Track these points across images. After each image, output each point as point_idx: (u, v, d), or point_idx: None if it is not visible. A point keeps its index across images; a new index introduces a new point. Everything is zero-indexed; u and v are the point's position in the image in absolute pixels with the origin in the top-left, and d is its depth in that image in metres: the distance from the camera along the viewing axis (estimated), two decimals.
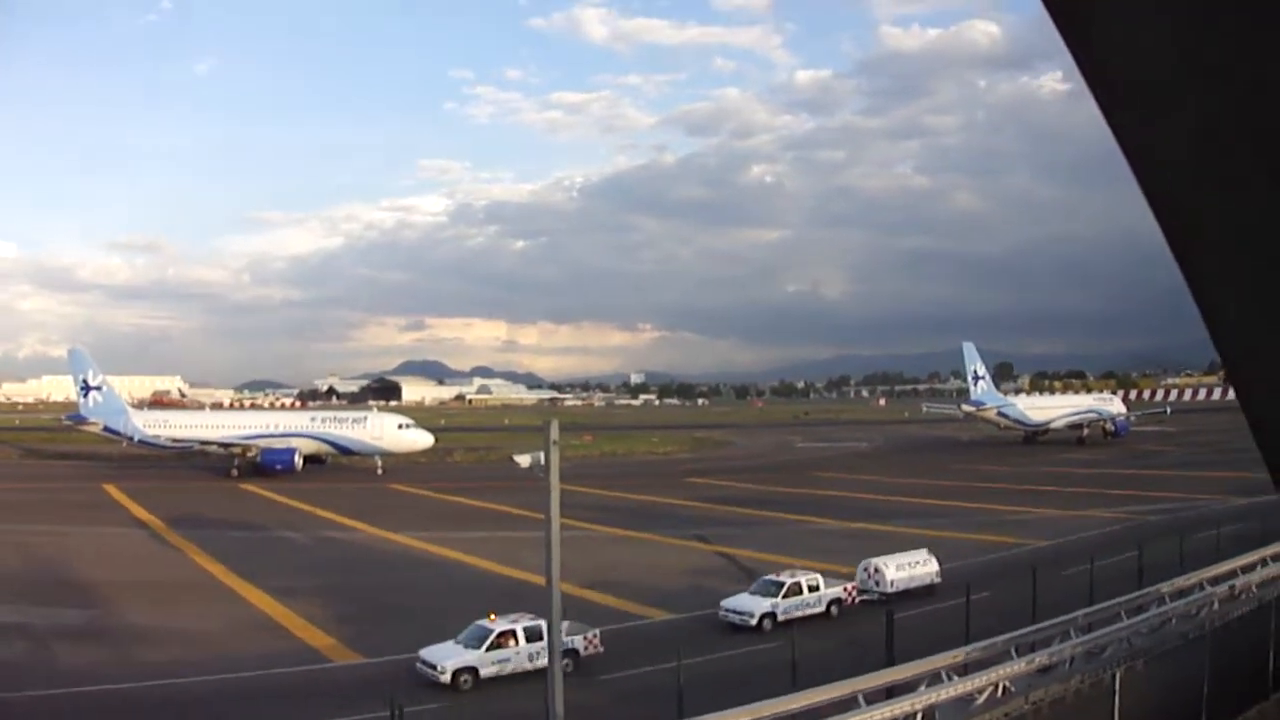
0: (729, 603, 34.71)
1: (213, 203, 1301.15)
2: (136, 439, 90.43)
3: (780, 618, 33.67)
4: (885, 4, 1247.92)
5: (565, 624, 25.28)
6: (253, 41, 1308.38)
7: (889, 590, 36.96)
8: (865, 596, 36.67)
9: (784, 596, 34.39)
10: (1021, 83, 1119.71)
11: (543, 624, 25.47)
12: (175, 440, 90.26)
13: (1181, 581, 32.99)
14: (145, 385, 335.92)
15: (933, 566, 38.80)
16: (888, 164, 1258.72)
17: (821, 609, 35.07)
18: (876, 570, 37.73)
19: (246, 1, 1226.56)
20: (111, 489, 74.79)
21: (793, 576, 35.18)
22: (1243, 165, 4.99)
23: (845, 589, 36.17)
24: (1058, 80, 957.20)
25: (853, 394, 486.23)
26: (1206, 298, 5.95)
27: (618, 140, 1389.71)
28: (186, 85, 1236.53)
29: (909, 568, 38.35)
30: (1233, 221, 5.43)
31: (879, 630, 28.06)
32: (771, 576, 35.66)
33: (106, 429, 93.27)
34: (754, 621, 33.64)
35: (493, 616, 29.36)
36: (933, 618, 32.81)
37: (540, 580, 22.68)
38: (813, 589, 35.17)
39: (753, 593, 35.11)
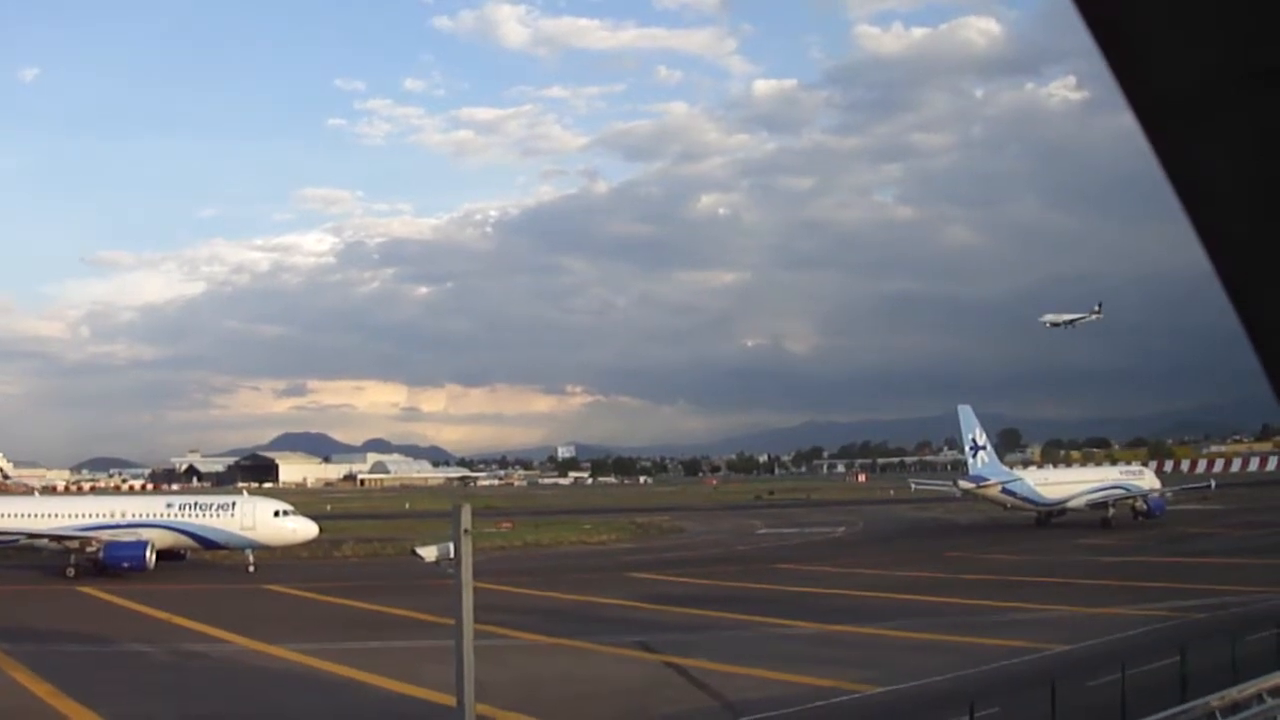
0: None
1: (44, 240, 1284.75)
2: None
3: None
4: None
5: None
6: (92, 42, 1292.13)
7: None
8: None
9: None
10: (1026, 91, 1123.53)
11: None
12: None
13: (1235, 693, 32.74)
14: None
15: None
16: (865, 192, 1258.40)
17: None
18: None
19: None
20: None
21: None
22: None
23: None
24: (1070, 87, 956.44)
25: (826, 468, 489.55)
26: (1266, 343, 5.94)
27: (540, 165, 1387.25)
28: (7, 95, 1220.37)
29: None
30: None
31: None
32: None
33: None
34: None
35: None
36: None
37: (449, 700, 22.46)
38: None
39: None
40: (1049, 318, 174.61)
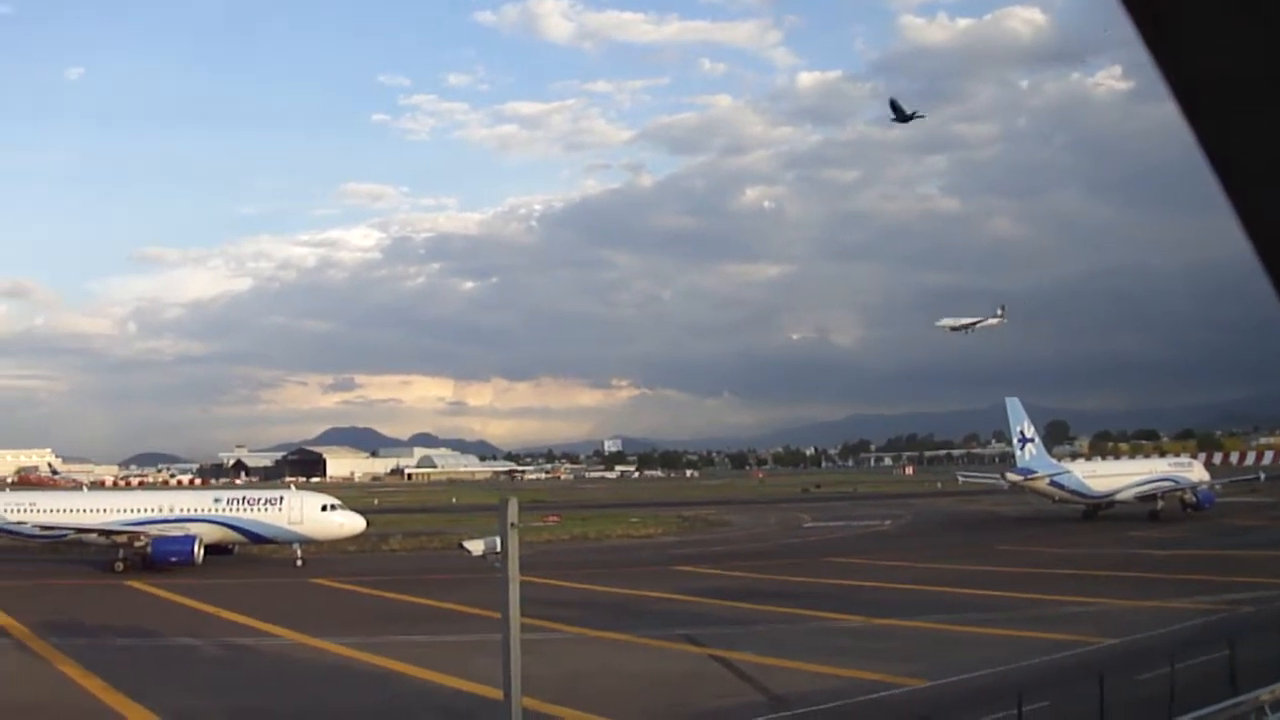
0: None
1: (92, 237, 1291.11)
2: None
3: None
4: None
5: None
6: (137, 40, 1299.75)
7: None
8: None
9: None
10: (1072, 81, 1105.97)
11: None
12: (45, 528, 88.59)
13: None
14: (7, 460, 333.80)
15: None
16: (910, 184, 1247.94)
17: None
18: None
19: None
20: None
21: None
22: None
23: None
24: (1116, 77, 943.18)
25: (872, 461, 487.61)
26: None
27: (585, 159, 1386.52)
28: (56, 94, 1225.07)
29: None
30: None
31: None
32: None
33: None
34: None
35: None
36: None
37: (497, 693, 22.50)
38: None
39: None
40: (947, 322, 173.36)
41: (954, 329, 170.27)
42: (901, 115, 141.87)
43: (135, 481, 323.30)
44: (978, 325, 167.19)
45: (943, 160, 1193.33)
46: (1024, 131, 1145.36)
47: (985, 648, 43.75)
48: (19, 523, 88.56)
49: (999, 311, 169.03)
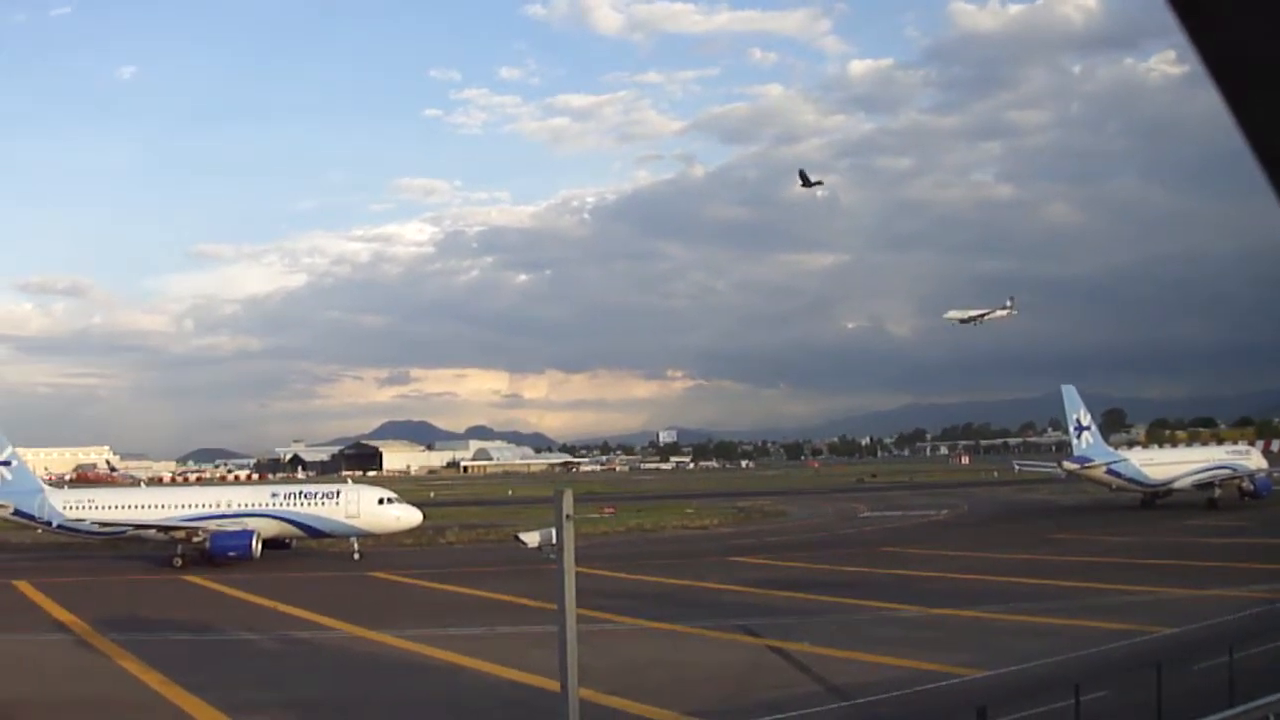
0: None
1: (147, 234, 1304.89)
2: (55, 524, 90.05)
3: None
4: None
5: None
6: (188, 39, 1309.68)
7: None
8: None
9: None
10: (1125, 66, 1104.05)
11: None
12: (104, 524, 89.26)
13: None
14: (66, 458, 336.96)
15: None
16: (964, 171, 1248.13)
17: None
18: None
19: None
20: (23, 586, 74.15)
21: None
22: None
23: None
24: (1170, 62, 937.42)
25: (928, 451, 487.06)
26: None
27: (637, 151, 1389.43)
28: (109, 93, 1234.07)
29: None
30: None
31: None
32: None
33: (17, 513, 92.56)
34: None
35: None
36: None
37: (553, 685, 22.59)
38: None
39: None
40: (954, 314, 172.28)
41: (962, 321, 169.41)
42: (806, 182, 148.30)
43: (193, 477, 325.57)
44: (986, 317, 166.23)
45: (996, 147, 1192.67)
46: (1077, 117, 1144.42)
47: (1042, 637, 43.57)
48: (78, 520, 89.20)
49: (1008, 303, 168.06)
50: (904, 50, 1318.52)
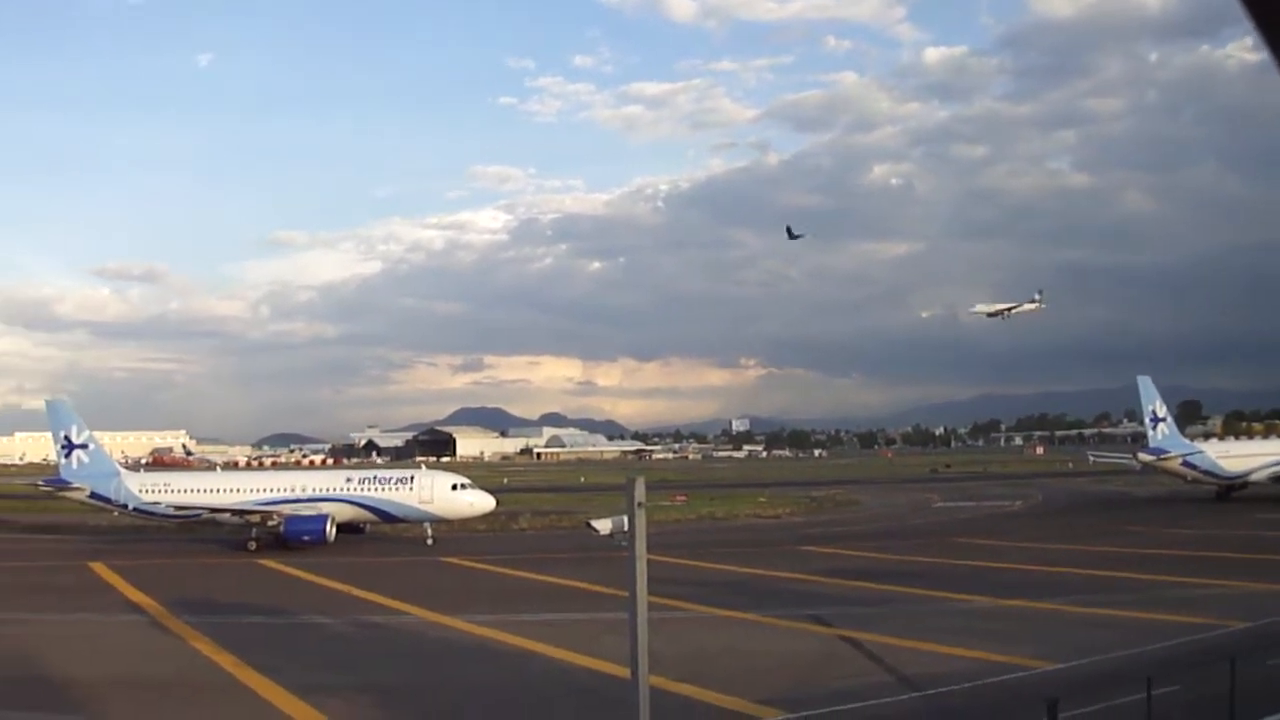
0: None
1: (224, 221, 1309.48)
2: (131, 507, 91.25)
3: None
4: None
5: None
6: (265, 28, 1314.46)
7: None
8: None
9: None
10: (1201, 53, 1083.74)
11: None
12: (179, 507, 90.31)
13: None
14: (142, 442, 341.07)
15: None
16: (1039, 159, 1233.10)
17: None
18: None
19: None
20: (99, 568, 75.00)
21: None
22: None
23: None
24: (1247, 49, 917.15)
25: (1003, 441, 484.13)
26: None
27: (710, 138, 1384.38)
28: (186, 82, 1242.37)
29: None
30: None
31: None
32: None
33: (94, 495, 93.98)
34: None
35: None
36: (1106, 719, 32.34)
37: (624, 671, 22.63)
38: None
39: None
40: (981, 308, 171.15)
41: (990, 315, 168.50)
42: (791, 235, 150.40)
43: (268, 462, 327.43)
44: (1014, 310, 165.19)
45: (1072, 135, 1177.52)
46: (1154, 105, 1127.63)
47: (1114, 629, 43.28)
48: (154, 503, 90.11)
49: (1036, 296, 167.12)
50: (978, 37, 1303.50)
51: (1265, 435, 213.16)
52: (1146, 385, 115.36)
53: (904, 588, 61.38)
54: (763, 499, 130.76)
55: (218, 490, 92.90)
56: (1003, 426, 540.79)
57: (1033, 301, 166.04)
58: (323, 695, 37.73)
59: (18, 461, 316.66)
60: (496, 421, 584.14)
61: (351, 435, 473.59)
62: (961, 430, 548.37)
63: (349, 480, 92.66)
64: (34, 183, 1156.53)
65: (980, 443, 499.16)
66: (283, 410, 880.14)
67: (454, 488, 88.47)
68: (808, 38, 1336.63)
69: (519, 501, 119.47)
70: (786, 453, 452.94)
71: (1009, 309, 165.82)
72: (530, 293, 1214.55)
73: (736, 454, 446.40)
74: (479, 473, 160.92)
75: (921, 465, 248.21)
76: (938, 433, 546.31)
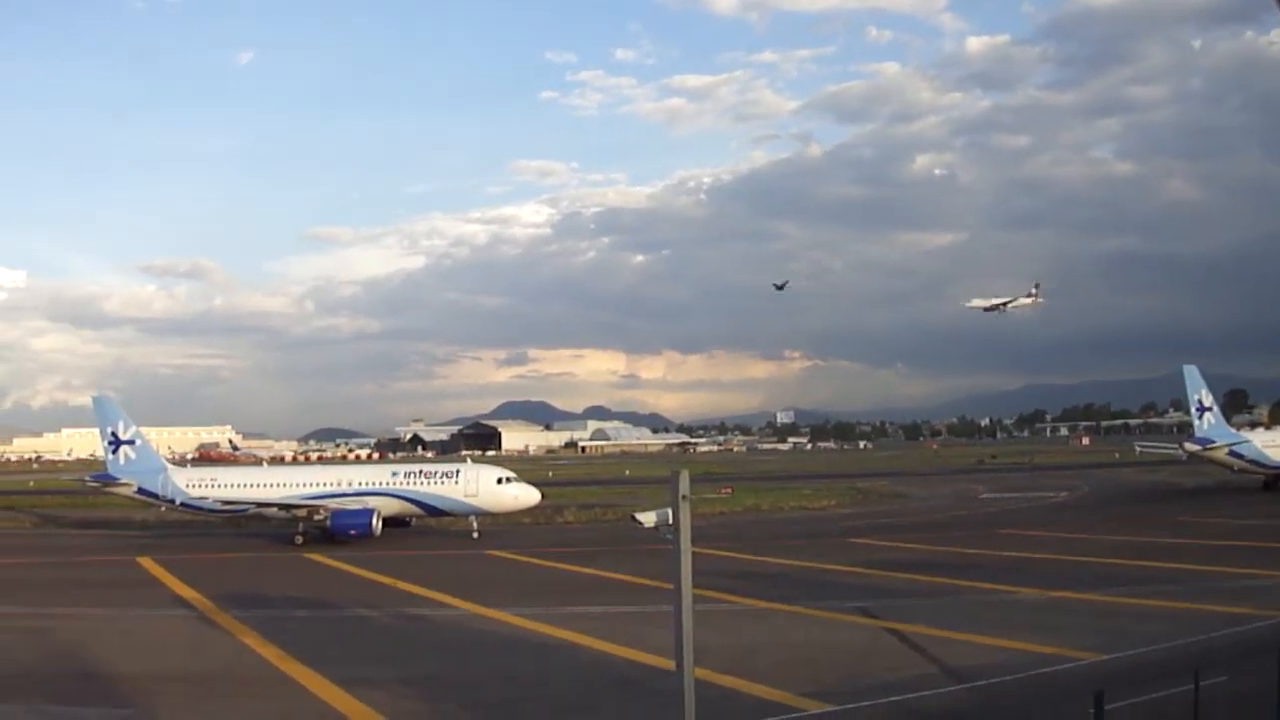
0: None
1: (267, 218, 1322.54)
2: (178, 502, 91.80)
3: None
4: None
5: None
6: (306, 24, 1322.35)
7: None
8: None
9: None
10: (1245, 40, 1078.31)
11: None
12: (226, 502, 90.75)
13: None
14: (189, 437, 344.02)
15: None
16: (1082, 148, 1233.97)
17: None
18: None
19: None
20: (147, 562, 75.65)
21: None
22: None
23: None
24: None
25: (1048, 432, 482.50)
26: None
27: (752, 130, 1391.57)
28: (228, 79, 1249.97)
29: None
30: None
31: None
32: None
33: (141, 491, 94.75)
34: None
35: None
36: (1153, 711, 32.11)
37: (669, 664, 22.63)
38: None
39: None
40: (977, 302, 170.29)
41: (986, 309, 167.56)
42: (778, 288, 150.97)
43: (314, 456, 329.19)
44: (1010, 305, 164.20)
45: (1115, 124, 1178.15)
46: (1197, 92, 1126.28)
47: (1161, 621, 42.99)
48: (200, 498, 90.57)
49: (1032, 291, 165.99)
50: (1021, 26, 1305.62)
51: None
52: (1192, 374, 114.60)
53: (950, 579, 61.33)
54: (808, 491, 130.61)
55: (264, 485, 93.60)
56: (1048, 417, 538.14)
57: (1029, 295, 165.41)
58: (368, 688, 37.84)
59: (65, 457, 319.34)
60: (541, 415, 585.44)
61: (397, 429, 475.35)
62: (1007, 421, 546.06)
63: (395, 474, 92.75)
64: (80, 182, 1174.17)
65: (1026, 434, 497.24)
66: (328, 405, 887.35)
67: (499, 481, 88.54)
68: (849, 28, 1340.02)
69: (564, 495, 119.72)
70: (831, 445, 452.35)
71: (1005, 303, 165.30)
72: (574, 286, 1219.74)
73: (781, 446, 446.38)
74: (524, 466, 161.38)
75: (967, 456, 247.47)
76: (983, 424, 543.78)
